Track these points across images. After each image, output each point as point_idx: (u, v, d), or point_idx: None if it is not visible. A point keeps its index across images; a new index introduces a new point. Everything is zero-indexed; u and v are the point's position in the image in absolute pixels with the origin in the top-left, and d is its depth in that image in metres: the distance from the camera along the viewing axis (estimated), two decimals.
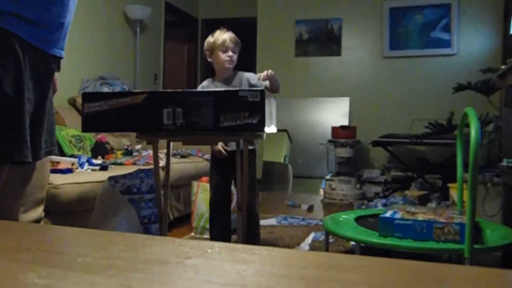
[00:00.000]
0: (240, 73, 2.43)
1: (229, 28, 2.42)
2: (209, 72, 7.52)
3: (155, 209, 2.19)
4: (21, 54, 1.21)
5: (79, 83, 3.95)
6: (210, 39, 2.41)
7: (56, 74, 1.45)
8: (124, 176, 2.15)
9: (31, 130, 1.26)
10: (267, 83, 2.25)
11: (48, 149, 1.40)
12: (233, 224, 2.96)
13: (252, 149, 2.40)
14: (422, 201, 3.92)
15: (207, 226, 2.92)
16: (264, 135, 1.75)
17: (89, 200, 2.28)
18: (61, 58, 1.40)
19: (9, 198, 1.34)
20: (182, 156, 3.57)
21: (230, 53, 2.34)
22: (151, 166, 2.38)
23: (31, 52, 1.26)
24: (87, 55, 4.17)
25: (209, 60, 2.44)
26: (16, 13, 1.21)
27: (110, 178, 2.14)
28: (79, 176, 2.44)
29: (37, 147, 1.32)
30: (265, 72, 2.21)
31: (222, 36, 2.36)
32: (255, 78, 2.37)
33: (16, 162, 1.24)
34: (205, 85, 2.43)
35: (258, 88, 1.58)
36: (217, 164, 2.42)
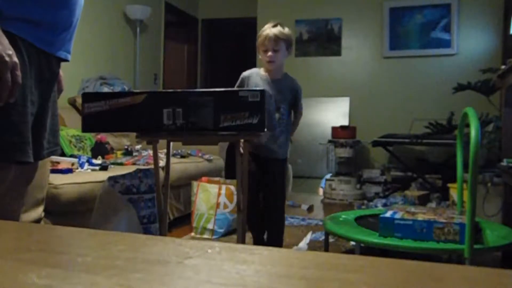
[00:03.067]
0: (290, 78, 2.34)
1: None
2: (209, 72, 7.51)
3: (154, 209, 2.19)
4: (26, 57, 1.22)
5: (79, 83, 3.95)
6: (258, 34, 2.27)
7: (61, 73, 1.46)
8: (123, 176, 2.15)
9: (33, 131, 1.26)
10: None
11: (52, 149, 1.41)
12: (233, 224, 2.96)
13: (284, 158, 2.35)
14: (422, 201, 3.92)
15: (207, 226, 2.93)
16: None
17: (89, 200, 2.28)
18: (67, 60, 1.40)
19: (10, 198, 1.34)
20: (182, 156, 3.56)
21: (270, 53, 2.19)
22: (151, 166, 2.38)
23: (35, 55, 1.26)
24: (87, 55, 4.17)
25: (260, 56, 2.29)
26: (22, 17, 1.21)
27: (110, 178, 2.14)
28: (79, 176, 2.44)
29: (40, 147, 1.33)
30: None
31: (263, 32, 2.21)
32: (301, 93, 2.36)
33: (19, 162, 1.24)
34: (257, 81, 2.25)
35: (258, 88, 1.58)
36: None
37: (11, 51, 1.12)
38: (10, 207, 1.35)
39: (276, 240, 2.31)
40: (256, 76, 2.27)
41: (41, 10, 1.25)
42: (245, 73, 2.30)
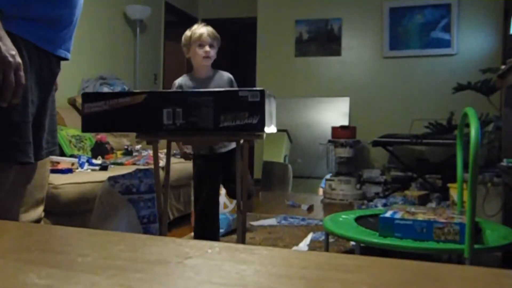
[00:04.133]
0: (220, 72, 2.31)
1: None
2: None
3: (154, 209, 2.19)
4: (26, 57, 1.22)
5: (79, 83, 3.95)
6: (187, 33, 2.25)
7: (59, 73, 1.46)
8: (123, 176, 2.15)
9: (33, 131, 1.26)
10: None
11: (50, 149, 1.41)
12: (233, 224, 2.96)
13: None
14: (422, 201, 3.92)
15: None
16: (264, 135, 1.75)
17: (89, 200, 2.28)
18: (66, 59, 1.40)
19: (10, 198, 1.34)
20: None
21: (207, 48, 2.19)
22: (151, 166, 2.38)
23: (36, 54, 1.26)
24: (87, 55, 4.17)
25: (187, 56, 2.29)
26: (22, 15, 1.21)
27: (110, 178, 2.14)
28: (79, 176, 2.44)
29: (39, 147, 1.33)
30: None
31: (199, 30, 2.21)
32: (235, 84, 2.29)
33: (20, 163, 1.24)
34: (183, 82, 2.27)
35: (258, 88, 1.58)
36: (205, 165, 2.32)
37: (14, 52, 1.11)
38: (9, 207, 1.35)
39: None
40: (188, 82, 2.26)
41: (42, 9, 1.25)
42: (177, 81, 2.29)
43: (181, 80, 2.28)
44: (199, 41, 2.20)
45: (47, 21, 1.27)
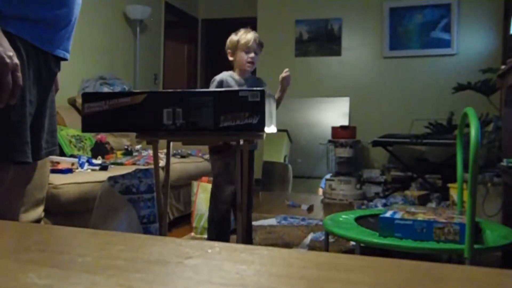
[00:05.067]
0: (257, 78, 2.44)
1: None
2: (209, 72, 7.52)
3: (154, 209, 2.19)
4: (25, 56, 1.22)
5: (79, 83, 3.95)
6: (233, 37, 2.35)
7: (58, 73, 1.46)
8: (123, 176, 2.15)
9: (31, 131, 1.26)
10: (277, 95, 2.29)
11: (50, 149, 1.41)
12: (233, 224, 2.96)
13: (251, 150, 2.40)
14: (422, 201, 3.92)
15: (207, 226, 2.92)
16: (264, 135, 1.75)
17: (89, 200, 2.28)
18: (65, 59, 1.40)
19: (9, 198, 1.34)
20: (182, 156, 3.57)
21: (252, 55, 2.31)
22: (151, 166, 2.38)
23: (34, 54, 1.26)
24: (87, 55, 4.17)
25: (230, 58, 2.39)
26: (20, 15, 1.21)
27: (110, 178, 2.14)
28: (79, 176, 2.44)
29: (38, 147, 1.33)
30: (285, 75, 2.26)
31: (247, 36, 2.32)
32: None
33: (18, 163, 1.24)
34: (224, 78, 2.34)
35: (258, 88, 1.58)
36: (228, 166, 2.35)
37: (11, 53, 1.11)
38: (9, 207, 1.35)
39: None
40: (230, 79, 2.35)
41: (40, 8, 1.25)
42: (219, 77, 2.36)
43: (223, 76, 2.35)
44: (246, 48, 2.30)
45: (45, 21, 1.27)
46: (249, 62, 2.31)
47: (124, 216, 2.07)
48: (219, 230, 2.38)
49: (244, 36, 2.32)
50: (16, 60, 1.12)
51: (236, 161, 1.92)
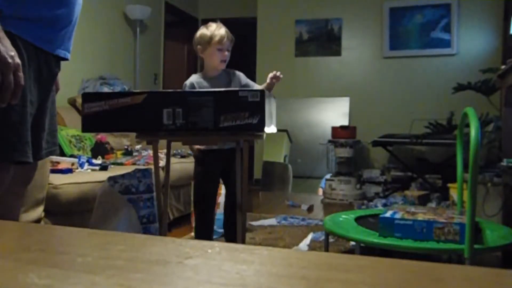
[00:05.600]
0: (228, 70, 2.29)
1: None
2: None
3: (153, 209, 2.19)
4: (25, 57, 1.22)
5: (79, 83, 3.95)
6: (205, 32, 2.20)
7: (58, 73, 1.46)
8: (122, 176, 2.15)
9: (32, 131, 1.26)
10: (263, 86, 2.16)
11: (50, 149, 1.41)
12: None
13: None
14: (422, 201, 3.92)
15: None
16: (264, 135, 1.75)
17: (89, 200, 2.28)
18: (66, 59, 1.40)
19: (10, 198, 1.34)
20: (182, 156, 3.57)
21: (226, 53, 2.19)
22: (151, 166, 2.38)
23: (34, 54, 1.26)
24: (87, 55, 4.17)
25: (201, 55, 2.25)
26: (21, 15, 1.21)
27: (110, 178, 2.14)
28: (79, 176, 2.44)
29: (38, 147, 1.33)
30: (273, 74, 2.13)
31: (220, 32, 2.18)
32: (245, 78, 2.28)
33: (18, 163, 1.24)
34: (196, 81, 2.25)
35: (258, 88, 1.58)
36: (207, 164, 2.31)
37: (13, 53, 1.11)
38: (9, 207, 1.35)
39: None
40: (202, 81, 2.25)
41: (40, 8, 1.25)
42: (188, 82, 2.27)
43: (193, 79, 2.26)
44: (220, 45, 2.17)
45: (46, 21, 1.27)
46: (222, 61, 2.19)
47: (124, 216, 2.07)
48: (198, 231, 2.35)
49: (218, 32, 2.17)
50: (18, 60, 1.12)
51: (236, 161, 1.92)
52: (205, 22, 2.33)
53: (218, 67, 2.22)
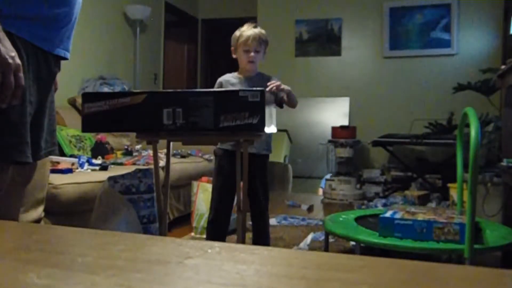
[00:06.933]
0: (263, 74, 2.29)
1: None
2: (209, 72, 7.51)
3: (153, 209, 2.19)
4: (25, 56, 1.21)
5: (79, 83, 3.95)
6: (236, 33, 2.23)
7: (58, 73, 1.46)
8: (123, 176, 2.15)
9: (31, 131, 1.26)
10: (284, 95, 2.13)
11: (49, 149, 1.41)
12: (233, 224, 2.96)
13: (266, 154, 2.30)
14: (422, 201, 3.92)
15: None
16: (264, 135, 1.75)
17: (89, 200, 2.28)
18: (65, 58, 1.40)
19: (9, 198, 1.34)
20: (182, 156, 3.57)
21: (252, 54, 2.17)
22: (151, 166, 2.38)
23: (33, 54, 1.26)
24: (87, 55, 4.17)
25: (234, 56, 2.27)
26: (20, 14, 1.21)
27: (110, 178, 2.14)
28: (79, 176, 2.44)
29: (37, 147, 1.33)
30: (275, 86, 2.06)
31: (247, 32, 2.18)
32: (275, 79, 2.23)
33: (17, 163, 1.24)
34: (225, 79, 2.25)
35: (258, 88, 1.58)
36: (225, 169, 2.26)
37: (14, 53, 1.11)
38: (9, 207, 1.35)
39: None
40: (236, 82, 2.24)
41: (40, 7, 1.24)
42: (221, 78, 2.27)
43: (225, 77, 2.26)
44: (245, 46, 2.17)
45: (45, 20, 1.27)
46: (249, 62, 2.19)
47: (124, 216, 2.07)
48: (210, 229, 2.30)
49: (245, 32, 2.19)
50: (18, 61, 1.12)
51: (236, 162, 1.92)
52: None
53: (246, 67, 2.21)
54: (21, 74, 1.13)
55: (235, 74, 2.30)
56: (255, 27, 2.23)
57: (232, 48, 2.25)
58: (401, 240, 1.94)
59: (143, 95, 1.62)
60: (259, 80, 2.24)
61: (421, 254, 1.94)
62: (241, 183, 1.85)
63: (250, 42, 2.16)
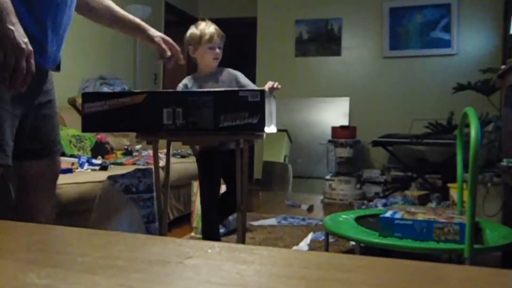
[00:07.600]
0: (224, 69, 2.26)
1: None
2: None
3: (153, 209, 2.19)
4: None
5: (79, 83, 3.95)
6: (195, 31, 2.18)
7: (59, 69, 1.47)
8: (123, 175, 2.15)
9: (39, 130, 1.29)
10: (266, 88, 2.13)
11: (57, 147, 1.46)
12: (233, 224, 2.96)
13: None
14: (422, 201, 3.92)
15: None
16: (264, 135, 1.75)
17: (89, 200, 2.28)
18: (57, 68, 1.42)
19: (40, 196, 1.36)
20: (182, 156, 3.57)
21: (217, 51, 2.16)
22: (151, 166, 2.38)
23: None
24: (87, 55, 4.17)
25: (193, 55, 2.23)
26: None
27: (110, 177, 2.14)
28: (79, 176, 2.44)
29: (52, 144, 1.36)
30: (272, 85, 2.05)
31: (210, 30, 2.16)
32: (243, 77, 2.24)
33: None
34: (188, 85, 2.22)
35: (258, 88, 1.58)
36: (208, 164, 2.27)
37: (26, 39, 1.11)
38: (40, 205, 1.38)
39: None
40: (192, 82, 2.22)
41: (29, 30, 1.25)
42: (181, 84, 2.24)
43: (186, 81, 2.24)
44: (210, 44, 2.15)
45: (37, 43, 1.27)
46: (214, 59, 2.16)
47: (125, 215, 2.07)
48: (204, 228, 2.31)
49: (207, 30, 2.16)
50: (30, 47, 1.12)
51: (236, 161, 1.92)
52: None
53: (212, 64, 2.19)
54: (33, 61, 1.13)
55: (195, 74, 2.26)
56: (212, 24, 2.21)
57: (191, 47, 2.21)
58: (401, 240, 1.94)
59: (143, 95, 1.62)
60: (226, 74, 2.22)
61: (421, 254, 1.95)
62: (241, 184, 1.85)
63: (216, 39, 2.15)
